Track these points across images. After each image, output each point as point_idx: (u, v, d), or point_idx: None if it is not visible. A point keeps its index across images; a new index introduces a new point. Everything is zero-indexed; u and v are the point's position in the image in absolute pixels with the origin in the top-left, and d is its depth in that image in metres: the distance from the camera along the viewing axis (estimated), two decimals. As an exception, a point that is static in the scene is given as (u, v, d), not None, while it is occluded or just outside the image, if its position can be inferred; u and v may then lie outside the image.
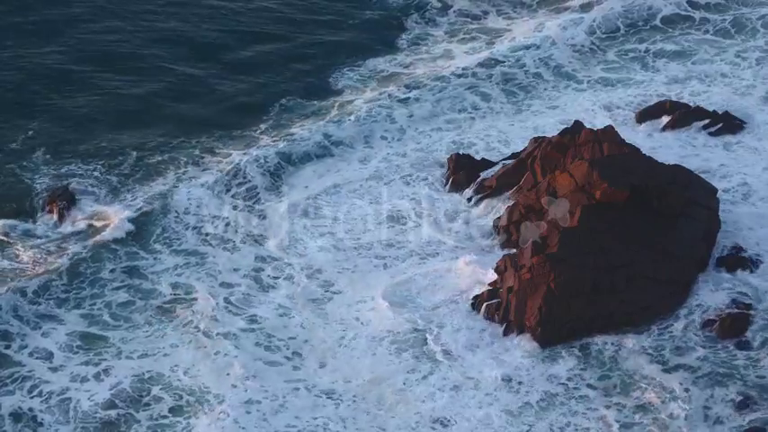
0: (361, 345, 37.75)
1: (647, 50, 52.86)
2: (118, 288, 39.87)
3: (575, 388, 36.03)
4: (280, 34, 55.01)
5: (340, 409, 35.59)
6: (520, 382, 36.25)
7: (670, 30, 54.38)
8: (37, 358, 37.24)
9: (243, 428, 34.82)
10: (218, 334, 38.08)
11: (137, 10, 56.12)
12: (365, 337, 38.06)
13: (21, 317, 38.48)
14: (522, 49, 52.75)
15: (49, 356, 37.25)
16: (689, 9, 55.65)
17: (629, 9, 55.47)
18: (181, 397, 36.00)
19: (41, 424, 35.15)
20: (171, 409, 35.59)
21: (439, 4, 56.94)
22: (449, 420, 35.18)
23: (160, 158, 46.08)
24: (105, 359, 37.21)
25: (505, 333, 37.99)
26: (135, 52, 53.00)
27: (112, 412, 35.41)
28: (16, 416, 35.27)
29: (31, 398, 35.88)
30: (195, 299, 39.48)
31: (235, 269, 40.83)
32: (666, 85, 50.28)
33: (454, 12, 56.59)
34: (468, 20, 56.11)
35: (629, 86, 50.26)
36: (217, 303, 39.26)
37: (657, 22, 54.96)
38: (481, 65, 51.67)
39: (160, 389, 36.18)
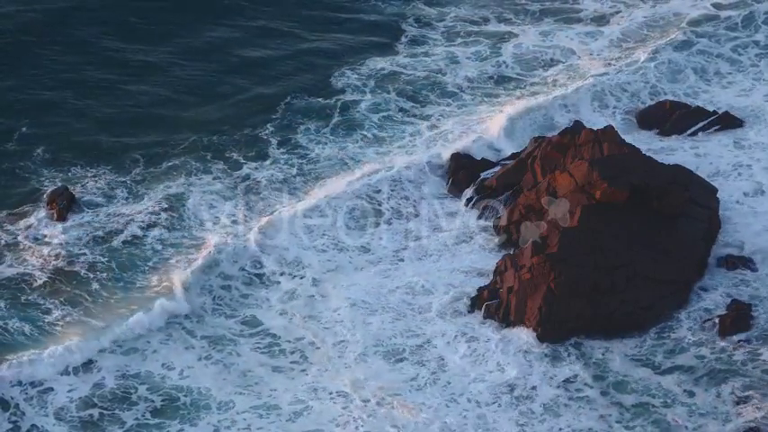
0: (362, 349, 37.48)
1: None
2: (117, 290, 39.63)
3: (576, 389, 35.93)
4: (278, 35, 55.07)
5: (350, 410, 35.45)
6: (521, 384, 36.09)
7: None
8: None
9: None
10: (217, 336, 38.12)
11: (139, 12, 56.30)
12: (365, 341, 37.81)
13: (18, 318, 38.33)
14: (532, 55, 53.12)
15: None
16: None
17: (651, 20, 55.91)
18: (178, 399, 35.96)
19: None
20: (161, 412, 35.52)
21: (435, 11, 57.01)
22: (452, 425, 34.95)
23: (169, 163, 45.76)
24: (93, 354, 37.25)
25: (505, 333, 37.95)
26: (138, 52, 52.99)
27: (94, 411, 35.30)
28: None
29: (11, 387, 35.81)
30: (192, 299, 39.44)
31: (234, 262, 40.73)
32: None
33: (452, 17, 56.65)
34: (468, 24, 56.17)
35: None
36: (214, 306, 39.33)
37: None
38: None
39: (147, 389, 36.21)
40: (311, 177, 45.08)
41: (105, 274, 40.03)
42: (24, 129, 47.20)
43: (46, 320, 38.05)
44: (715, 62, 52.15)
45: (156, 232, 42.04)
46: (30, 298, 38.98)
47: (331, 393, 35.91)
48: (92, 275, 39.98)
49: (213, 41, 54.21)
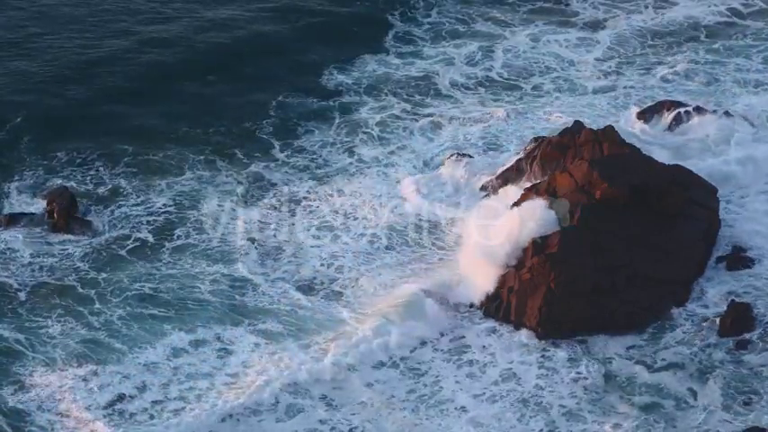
0: (358, 354, 36.75)
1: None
2: (121, 296, 38.80)
3: (575, 390, 35.63)
4: (266, 31, 55.18)
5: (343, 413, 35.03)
6: (527, 388, 35.73)
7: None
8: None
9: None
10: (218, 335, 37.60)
11: (136, 10, 56.39)
12: (361, 344, 37.11)
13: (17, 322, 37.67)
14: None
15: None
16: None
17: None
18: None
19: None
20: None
21: (422, 3, 57.23)
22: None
23: (174, 162, 45.52)
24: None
25: (506, 334, 37.81)
26: (134, 52, 53.07)
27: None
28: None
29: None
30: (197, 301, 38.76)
31: (238, 274, 40.06)
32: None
33: (438, 13, 56.82)
34: (454, 21, 56.30)
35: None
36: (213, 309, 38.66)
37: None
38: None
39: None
40: (324, 181, 44.91)
41: (111, 291, 39.04)
42: (17, 123, 46.95)
43: (42, 336, 36.99)
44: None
45: (173, 239, 41.62)
46: (22, 311, 37.99)
47: (330, 395, 35.51)
48: (97, 287, 39.04)
49: (202, 39, 54.37)
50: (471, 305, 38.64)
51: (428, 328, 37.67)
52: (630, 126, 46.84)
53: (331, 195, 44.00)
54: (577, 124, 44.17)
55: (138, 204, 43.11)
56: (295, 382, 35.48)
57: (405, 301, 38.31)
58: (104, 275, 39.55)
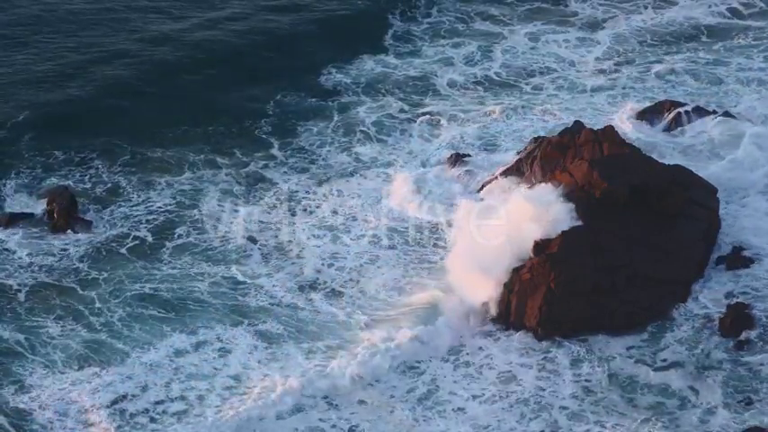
0: (357, 354, 36.55)
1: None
2: (121, 296, 38.61)
3: (576, 390, 35.61)
4: (265, 30, 55.20)
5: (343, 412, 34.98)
6: (528, 388, 35.62)
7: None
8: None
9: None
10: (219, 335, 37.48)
11: (135, 9, 56.40)
12: (360, 344, 36.98)
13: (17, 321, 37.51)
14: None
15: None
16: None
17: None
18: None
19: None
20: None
21: (422, 2, 57.25)
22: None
23: (168, 153, 45.47)
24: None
25: (505, 335, 37.81)
26: (132, 50, 53.07)
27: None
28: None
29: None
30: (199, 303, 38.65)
31: (241, 281, 39.78)
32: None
33: (438, 12, 56.86)
34: (453, 20, 56.35)
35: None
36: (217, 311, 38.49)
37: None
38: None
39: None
40: (323, 181, 44.89)
41: (111, 291, 38.83)
42: (17, 121, 46.87)
43: (42, 336, 36.80)
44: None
45: (173, 238, 41.46)
46: (22, 311, 37.80)
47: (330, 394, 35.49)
48: (97, 288, 38.87)
49: (198, 38, 54.38)
50: (471, 306, 38.54)
51: (448, 335, 37.46)
52: (630, 126, 46.94)
53: (331, 195, 44.05)
54: (577, 124, 44.20)
55: (137, 204, 43.17)
56: (296, 382, 35.38)
57: (418, 308, 38.26)
58: (104, 275, 39.51)
